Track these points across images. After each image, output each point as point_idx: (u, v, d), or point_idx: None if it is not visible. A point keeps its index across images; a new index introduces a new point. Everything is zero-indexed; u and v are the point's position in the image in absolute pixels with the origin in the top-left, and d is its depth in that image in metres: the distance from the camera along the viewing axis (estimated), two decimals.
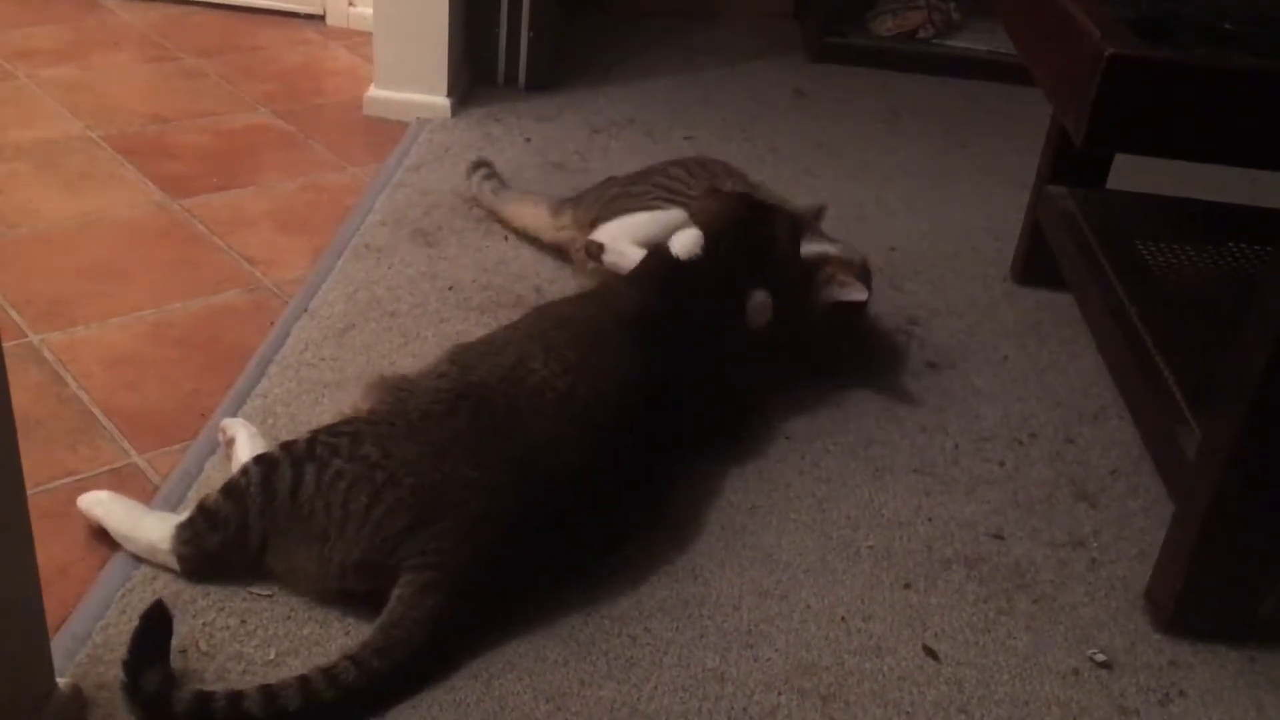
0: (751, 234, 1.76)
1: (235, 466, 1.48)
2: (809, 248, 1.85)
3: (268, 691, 1.19)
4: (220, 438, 1.57)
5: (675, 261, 1.71)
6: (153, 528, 1.37)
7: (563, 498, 1.39)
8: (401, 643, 1.26)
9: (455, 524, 1.32)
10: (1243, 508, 1.37)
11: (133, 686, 1.17)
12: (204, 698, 1.18)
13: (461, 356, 1.53)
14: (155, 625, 1.21)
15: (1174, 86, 1.36)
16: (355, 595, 1.33)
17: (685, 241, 1.73)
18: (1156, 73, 1.34)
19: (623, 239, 1.88)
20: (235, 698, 1.18)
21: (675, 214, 1.93)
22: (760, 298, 1.73)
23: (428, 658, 1.28)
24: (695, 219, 1.77)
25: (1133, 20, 1.40)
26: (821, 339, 1.87)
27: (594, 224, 2.00)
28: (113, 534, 1.39)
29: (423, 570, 1.29)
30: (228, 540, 1.34)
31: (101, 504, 1.41)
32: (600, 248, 1.89)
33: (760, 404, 1.79)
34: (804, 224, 1.88)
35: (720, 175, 2.04)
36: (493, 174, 2.26)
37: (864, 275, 1.88)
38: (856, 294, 1.81)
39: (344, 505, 1.31)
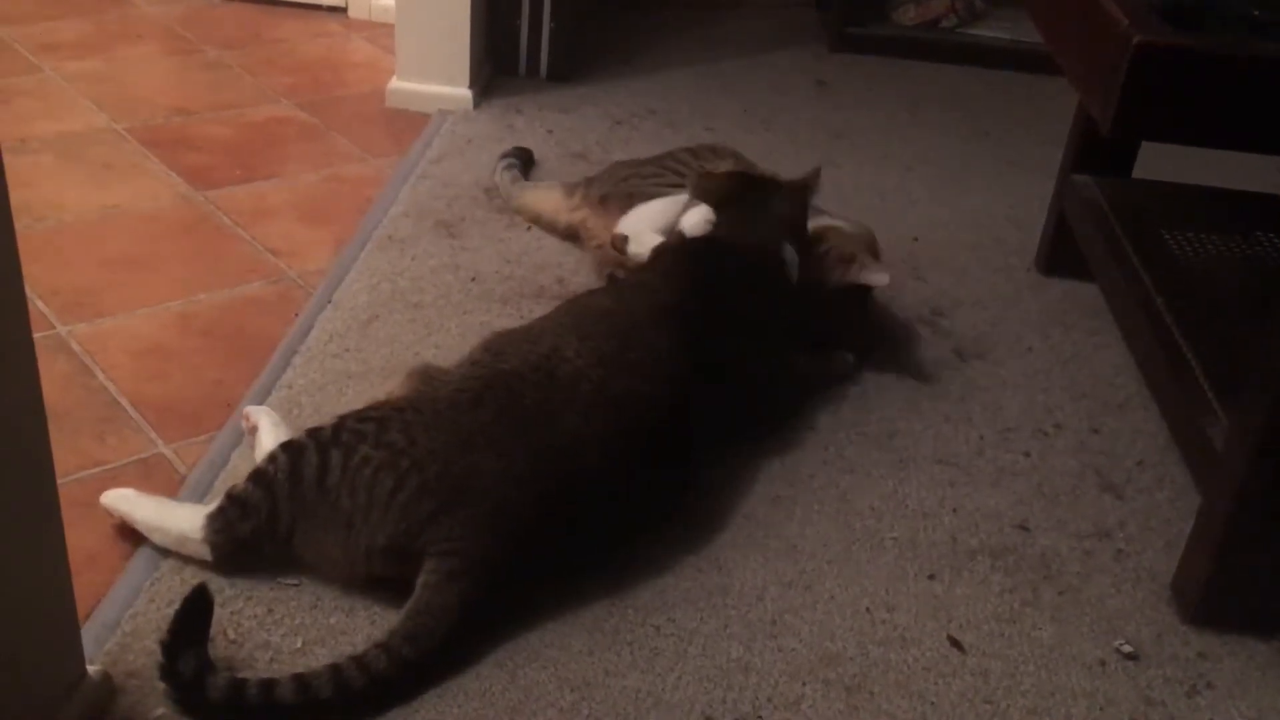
0: (758, 200, 1.76)
1: (259, 454, 1.49)
2: (813, 221, 1.85)
3: (300, 680, 1.20)
4: (243, 425, 1.58)
5: (694, 241, 1.70)
6: (183, 518, 1.38)
7: (589, 490, 1.39)
8: (430, 630, 1.27)
9: (479, 512, 1.32)
10: (1271, 498, 1.36)
11: (170, 669, 1.17)
12: (238, 684, 1.18)
13: (496, 343, 1.54)
14: (196, 608, 1.21)
15: (1202, 74, 1.35)
16: (382, 581, 1.34)
17: (695, 219, 1.72)
18: (1185, 60, 1.34)
19: (645, 230, 1.88)
20: (268, 685, 1.19)
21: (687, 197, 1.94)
22: (789, 255, 1.74)
23: (456, 644, 1.29)
24: (700, 198, 1.77)
25: (1161, 7, 1.39)
26: (833, 317, 1.86)
27: (603, 200, 2.01)
28: (140, 527, 1.40)
29: (448, 557, 1.30)
30: (259, 527, 1.34)
31: (126, 500, 1.42)
32: (624, 239, 1.88)
33: (801, 395, 1.79)
34: (808, 192, 1.86)
35: (726, 160, 2.04)
36: (515, 165, 2.28)
37: (873, 252, 1.87)
38: (877, 278, 1.80)
39: (369, 490, 1.32)
